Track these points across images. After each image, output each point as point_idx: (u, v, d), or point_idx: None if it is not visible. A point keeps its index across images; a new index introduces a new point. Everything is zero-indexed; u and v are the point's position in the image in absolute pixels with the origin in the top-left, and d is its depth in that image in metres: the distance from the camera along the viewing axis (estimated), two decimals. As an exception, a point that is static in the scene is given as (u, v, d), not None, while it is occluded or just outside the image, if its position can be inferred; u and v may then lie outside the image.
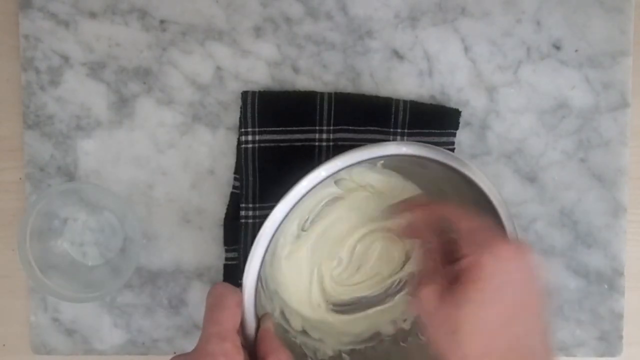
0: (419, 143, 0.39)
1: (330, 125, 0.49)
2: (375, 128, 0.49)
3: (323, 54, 0.50)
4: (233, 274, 0.50)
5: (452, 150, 0.50)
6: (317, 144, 0.49)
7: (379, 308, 0.48)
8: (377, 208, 0.48)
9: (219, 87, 0.50)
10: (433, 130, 0.49)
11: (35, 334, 0.51)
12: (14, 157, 0.51)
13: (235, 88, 0.50)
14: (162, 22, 0.49)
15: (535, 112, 0.51)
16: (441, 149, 0.39)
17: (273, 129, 0.48)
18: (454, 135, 0.50)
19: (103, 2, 0.49)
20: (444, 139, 0.49)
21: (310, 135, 0.49)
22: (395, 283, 0.49)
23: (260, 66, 0.50)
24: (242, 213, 0.49)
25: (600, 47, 0.50)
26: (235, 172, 0.50)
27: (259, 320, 0.38)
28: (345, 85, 0.50)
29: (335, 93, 0.49)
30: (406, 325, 0.47)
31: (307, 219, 0.47)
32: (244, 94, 0.49)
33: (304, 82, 0.50)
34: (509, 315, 0.33)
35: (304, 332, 0.46)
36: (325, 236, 0.47)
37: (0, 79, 0.51)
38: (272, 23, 0.50)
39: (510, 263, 0.34)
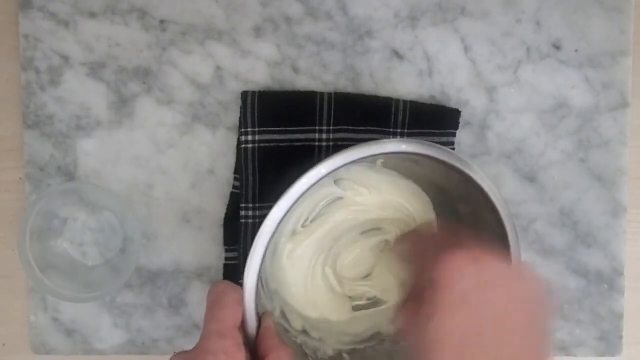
0: (419, 140, 0.39)
1: (330, 126, 0.49)
2: (375, 128, 0.49)
3: (323, 54, 0.50)
4: (233, 274, 0.50)
5: (452, 150, 0.50)
6: (317, 144, 0.49)
7: (379, 308, 0.48)
8: (377, 208, 0.48)
9: (219, 87, 0.50)
10: (433, 131, 0.49)
11: (35, 334, 0.51)
12: (14, 157, 0.51)
13: (235, 88, 0.50)
14: (162, 22, 0.49)
15: (535, 112, 0.51)
16: (441, 146, 0.39)
17: (273, 129, 0.48)
18: (454, 135, 0.50)
19: (103, 2, 0.49)
20: (444, 139, 0.49)
21: (310, 136, 0.49)
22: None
23: (260, 66, 0.50)
24: (242, 213, 0.49)
25: (600, 47, 0.50)
26: (235, 172, 0.50)
27: (260, 318, 0.38)
28: (345, 85, 0.50)
29: (335, 93, 0.49)
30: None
31: (308, 219, 0.47)
32: (244, 94, 0.49)
33: (304, 82, 0.50)
34: (481, 324, 0.33)
35: (305, 331, 0.46)
36: (326, 236, 0.47)
37: (0, 79, 0.51)
38: (272, 23, 0.50)
39: (465, 270, 0.34)
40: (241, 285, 0.49)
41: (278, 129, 0.49)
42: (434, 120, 0.49)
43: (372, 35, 0.50)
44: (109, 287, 0.47)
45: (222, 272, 0.50)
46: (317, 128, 0.49)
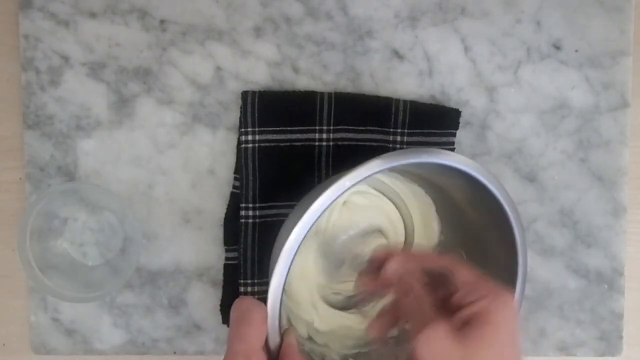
0: (445, 151, 0.38)
1: (330, 125, 0.49)
2: (375, 128, 0.49)
3: (323, 54, 0.50)
4: (233, 274, 0.50)
5: (452, 150, 0.50)
6: (317, 144, 0.49)
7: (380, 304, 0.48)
8: (377, 208, 0.48)
9: (219, 87, 0.50)
10: (433, 130, 0.49)
11: (35, 334, 0.51)
12: (14, 157, 0.51)
13: (235, 88, 0.50)
14: (162, 22, 0.49)
15: (535, 112, 0.51)
16: (464, 157, 0.38)
17: (273, 129, 0.48)
18: (454, 135, 0.50)
19: (103, 2, 0.49)
20: (444, 139, 0.49)
21: (310, 135, 0.49)
22: None
23: (260, 66, 0.50)
24: (242, 213, 0.49)
25: (600, 47, 0.50)
26: (235, 172, 0.50)
27: (282, 334, 0.38)
28: (345, 85, 0.50)
29: (335, 93, 0.49)
30: (409, 326, 0.47)
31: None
32: (244, 94, 0.49)
33: (304, 82, 0.50)
34: (517, 356, 0.35)
35: (310, 338, 0.46)
36: (326, 237, 0.47)
37: (0, 79, 0.51)
38: (272, 23, 0.50)
39: (514, 310, 0.36)
40: (246, 289, 0.49)
41: (278, 128, 0.49)
42: (434, 120, 0.49)
43: (372, 35, 0.50)
44: (109, 287, 0.47)
45: (222, 272, 0.50)
46: (317, 128, 0.49)
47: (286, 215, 0.49)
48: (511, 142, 0.51)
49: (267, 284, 0.49)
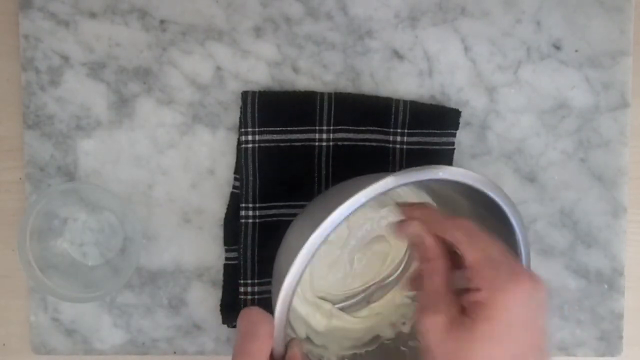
0: (461, 170, 0.37)
1: (330, 125, 0.49)
2: (375, 128, 0.49)
3: (323, 54, 0.50)
4: (233, 274, 0.50)
5: (452, 150, 0.50)
6: (317, 144, 0.49)
7: (376, 304, 0.48)
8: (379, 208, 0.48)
9: (219, 87, 0.50)
10: (433, 131, 0.49)
11: (35, 334, 0.51)
12: (14, 157, 0.51)
13: (235, 88, 0.50)
14: (162, 22, 0.49)
15: (535, 112, 0.51)
16: (479, 175, 0.38)
17: (273, 129, 0.48)
18: (454, 135, 0.50)
19: (103, 2, 0.49)
20: (444, 139, 0.49)
21: (310, 135, 0.49)
22: (393, 274, 0.49)
23: (260, 66, 0.50)
24: (242, 213, 0.49)
25: (600, 47, 0.50)
26: (235, 172, 0.50)
27: (286, 345, 0.38)
28: (345, 85, 0.50)
29: (335, 93, 0.49)
30: (405, 329, 0.47)
31: None
32: (244, 94, 0.49)
33: (304, 82, 0.50)
34: (516, 353, 0.33)
35: (308, 339, 0.46)
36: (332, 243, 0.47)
37: (0, 79, 0.51)
38: (272, 23, 0.50)
39: (523, 302, 0.33)
40: (245, 290, 0.49)
41: (278, 129, 0.49)
42: (434, 120, 0.49)
43: (372, 35, 0.50)
44: (109, 287, 0.47)
45: (222, 272, 0.50)
46: (317, 128, 0.49)
47: (286, 215, 0.49)
48: (511, 142, 0.51)
49: (267, 284, 0.50)
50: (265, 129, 0.48)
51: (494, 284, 0.33)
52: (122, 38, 0.49)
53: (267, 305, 0.49)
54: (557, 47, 0.50)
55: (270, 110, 0.48)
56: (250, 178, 0.49)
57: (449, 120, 0.49)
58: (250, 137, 0.48)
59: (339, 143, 0.49)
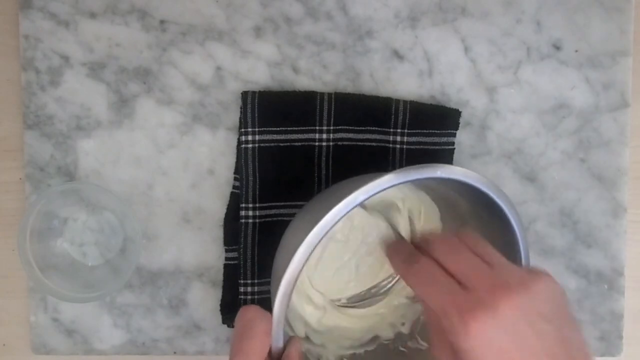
0: (460, 169, 0.37)
1: (330, 125, 0.49)
2: (375, 128, 0.49)
3: (323, 54, 0.50)
4: (233, 274, 0.50)
5: (452, 150, 0.50)
6: (317, 144, 0.49)
7: (376, 306, 0.48)
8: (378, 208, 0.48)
9: (219, 87, 0.50)
10: (433, 131, 0.49)
11: (35, 334, 0.51)
12: (14, 157, 0.51)
13: (235, 88, 0.50)
14: (162, 22, 0.49)
15: (535, 112, 0.51)
16: (478, 175, 0.37)
17: (273, 129, 0.48)
18: (454, 135, 0.50)
19: (103, 2, 0.49)
20: (444, 139, 0.49)
21: (310, 135, 0.49)
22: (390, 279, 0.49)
23: (260, 66, 0.50)
24: (242, 213, 0.49)
25: (600, 47, 0.50)
26: (235, 172, 0.50)
27: (285, 343, 0.38)
28: (345, 85, 0.50)
29: (335, 93, 0.49)
30: (405, 329, 0.47)
31: None
32: (244, 94, 0.49)
33: (304, 82, 0.50)
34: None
35: (307, 338, 0.46)
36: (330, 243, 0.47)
37: (0, 79, 0.51)
38: (272, 23, 0.50)
39: (494, 336, 0.31)
40: (243, 288, 0.49)
41: (278, 129, 0.49)
42: (434, 120, 0.49)
43: (372, 35, 0.50)
44: (109, 287, 0.47)
45: (222, 272, 0.50)
46: (317, 128, 0.49)
47: (286, 215, 0.49)
48: (511, 142, 0.51)
49: (267, 284, 0.50)
50: (265, 129, 0.48)
51: (460, 311, 0.32)
52: (122, 38, 0.49)
53: (267, 305, 0.49)
54: (557, 47, 0.50)
55: (270, 110, 0.48)
56: (250, 178, 0.49)
57: (449, 120, 0.49)
58: (250, 137, 0.48)
59: (339, 143, 0.49)
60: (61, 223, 0.50)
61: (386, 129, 0.49)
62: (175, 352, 0.51)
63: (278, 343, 0.36)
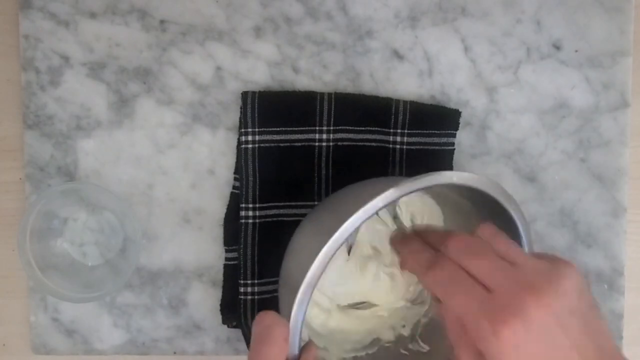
0: (472, 174, 0.37)
1: (330, 126, 0.49)
2: (375, 128, 0.49)
3: (323, 54, 0.50)
4: (233, 274, 0.50)
5: (452, 150, 0.50)
6: (317, 144, 0.49)
7: (377, 307, 0.48)
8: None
9: (219, 87, 0.50)
10: (433, 131, 0.49)
11: (35, 334, 0.51)
12: (14, 157, 0.51)
13: (235, 88, 0.50)
14: (162, 22, 0.49)
15: (535, 112, 0.51)
16: (487, 179, 0.37)
17: (273, 129, 0.48)
18: (454, 135, 0.50)
19: (103, 2, 0.49)
20: (444, 139, 0.49)
21: (310, 136, 0.49)
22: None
23: (260, 66, 0.50)
24: (242, 213, 0.49)
25: (600, 47, 0.50)
26: (235, 172, 0.50)
27: (301, 350, 0.38)
28: (345, 85, 0.50)
29: (335, 93, 0.49)
30: (405, 332, 0.47)
31: None
32: (244, 94, 0.49)
33: (304, 82, 0.50)
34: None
35: (309, 341, 0.46)
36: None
37: (0, 79, 0.51)
38: (272, 23, 0.50)
39: (543, 315, 0.31)
40: (241, 287, 0.49)
41: (278, 129, 0.49)
42: (434, 120, 0.49)
43: (372, 35, 0.50)
44: (109, 287, 0.47)
45: (222, 272, 0.50)
46: (317, 128, 0.49)
47: (286, 215, 0.49)
48: (511, 142, 0.51)
49: (267, 284, 0.50)
50: (265, 129, 0.48)
51: (483, 336, 0.32)
52: (122, 38, 0.49)
53: (268, 305, 0.49)
54: (557, 47, 0.50)
55: (270, 110, 0.48)
56: (250, 178, 0.49)
57: (449, 120, 0.49)
58: (250, 137, 0.48)
59: (339, 143, 0.49)
60: (61, 223, 0.50)
61: (386, 129, 0.49)
62: (175, 352, 0.51)
63: (294, 350, 0.36)
